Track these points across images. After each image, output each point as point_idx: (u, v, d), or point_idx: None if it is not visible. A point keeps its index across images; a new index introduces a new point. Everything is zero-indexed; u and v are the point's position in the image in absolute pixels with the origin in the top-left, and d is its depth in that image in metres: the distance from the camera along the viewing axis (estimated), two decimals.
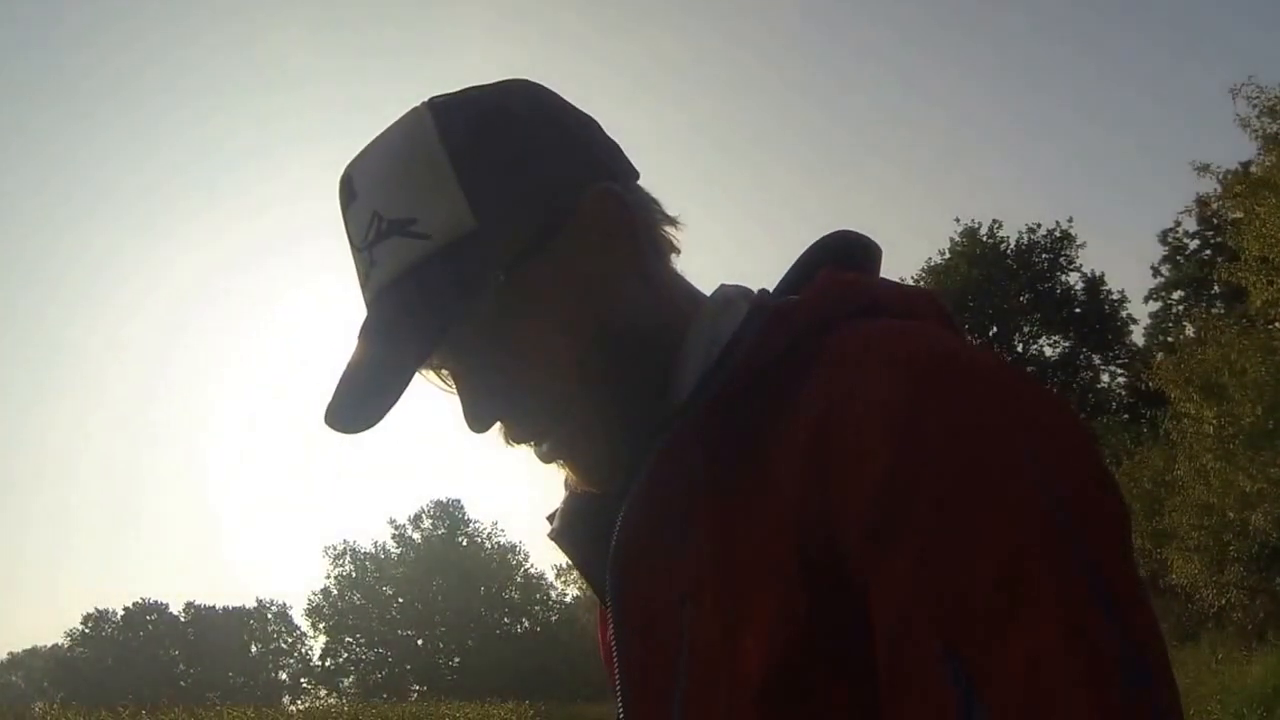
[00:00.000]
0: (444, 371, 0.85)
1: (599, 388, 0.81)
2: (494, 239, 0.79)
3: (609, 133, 0.89)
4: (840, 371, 0.70)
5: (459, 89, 0.85)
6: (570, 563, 0.90)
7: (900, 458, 0.64)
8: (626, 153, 0.89)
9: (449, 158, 0.80)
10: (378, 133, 0.85)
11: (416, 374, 0.82)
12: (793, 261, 0.89)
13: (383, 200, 0.81)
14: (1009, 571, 0.59)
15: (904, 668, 0.61)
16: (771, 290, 0.88)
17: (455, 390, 0.84)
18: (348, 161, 0.85)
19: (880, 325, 0.74)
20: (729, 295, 0.86)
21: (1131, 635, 0.59)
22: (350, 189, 0.83)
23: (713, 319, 0.83)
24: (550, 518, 0.92)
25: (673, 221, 0.87)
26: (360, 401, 0.80)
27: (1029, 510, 0.61)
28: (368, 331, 0.82)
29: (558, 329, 0.81)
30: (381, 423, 0.80)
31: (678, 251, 0.88)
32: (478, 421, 0.83)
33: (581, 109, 0.88)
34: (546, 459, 0.85)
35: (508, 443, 0.85)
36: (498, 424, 0.84)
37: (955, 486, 0.62)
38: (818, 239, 0.89)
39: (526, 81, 0.87)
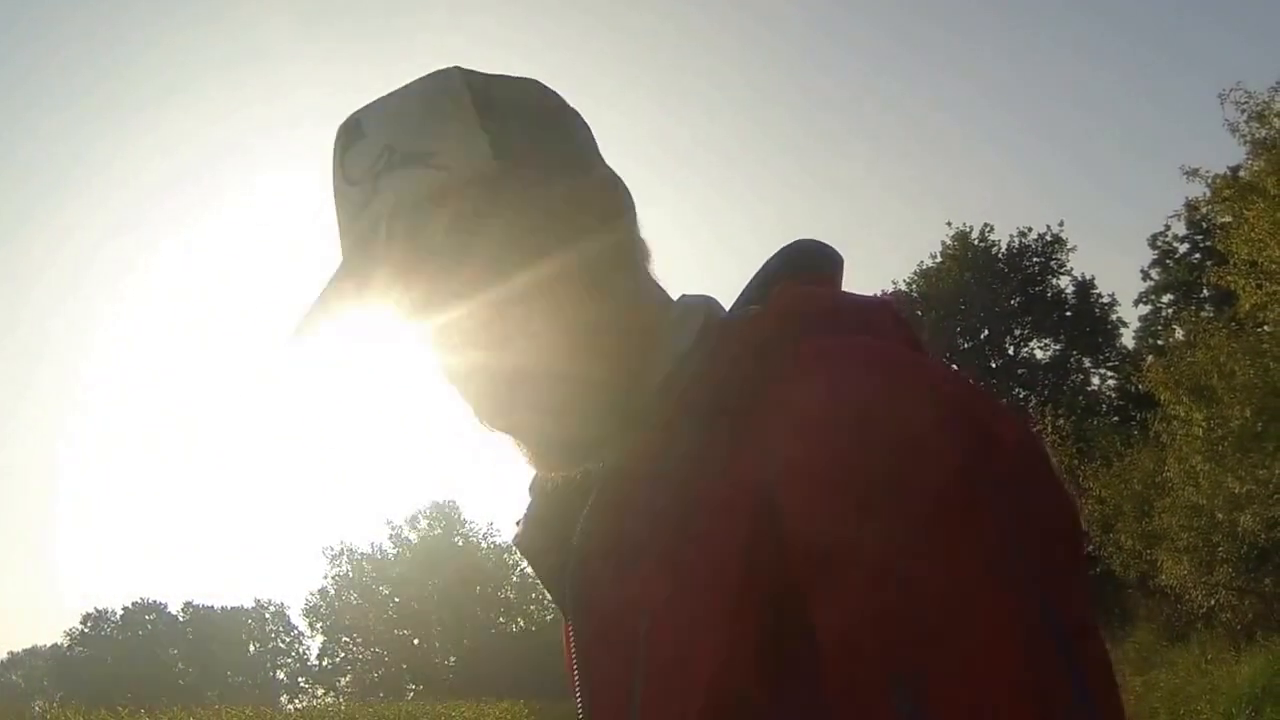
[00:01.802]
0: (421, 320, 0.82)
1: (582, 364, 0.80)
2: (510, 187, 0.79)
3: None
4: (792, 389, 0.70)
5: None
6: (533, 571, 0.90)
7: (847, 475, 0.64)
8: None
9: (473, 100, 0.81)
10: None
11: (393, 311, 0.82)
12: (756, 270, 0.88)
13: (399, 134, 0.80)
14: (957, 595, 0.59)
15: (851, 691, 0.61)
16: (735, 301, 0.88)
17: (430, 336, 0.82)
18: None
19: (833, 343, 0.74)
20: (690, 306, 0.86)
21: (1080, 664, 0.59)
22: (357, 129, 0.82)
23: (673, 330, 0.84)
24: (518, 522, 0.91)
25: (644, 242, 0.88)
26: (330, 315, 0.81)
27: (979, 530, 0.61)
28: (358, 252, 0.80)
29: (555, 289, 0.80)
30: (336, 335, 0.82)
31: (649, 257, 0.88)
32: (450, 372, 0.82)
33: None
34: (508, 430, 0.83)
35: (478, 419, 0.84)
36: (472, 403, 0.83)
37: (902, 507, 0.62)
38: (780, 248, 0.88)
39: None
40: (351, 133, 0.82)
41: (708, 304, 0.87)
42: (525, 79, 0.88)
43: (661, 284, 0.88)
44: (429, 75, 0.84)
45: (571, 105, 0.89)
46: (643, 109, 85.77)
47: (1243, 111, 16.26)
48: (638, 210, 0.88)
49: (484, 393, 0.83)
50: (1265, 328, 15.97)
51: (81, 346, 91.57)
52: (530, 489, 0.92)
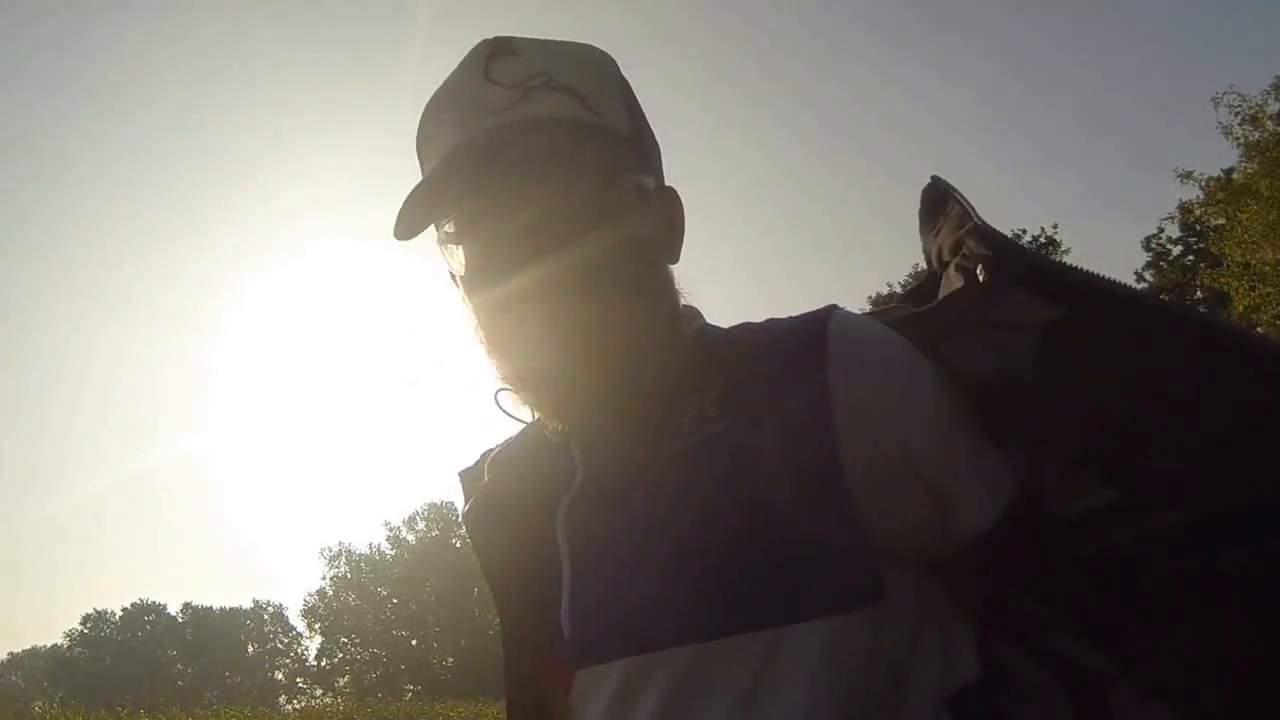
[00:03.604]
0: (490, 232, 0.84)
1: (641, 322, 0.86)
2: (640, 153, 0.91)
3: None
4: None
5: None
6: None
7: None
8: None
9: (618, 77, 0.92)
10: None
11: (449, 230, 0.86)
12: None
13: (557, 67, 0.86)
14: None
15: None
16: None
17: (515, 245, 0.83)
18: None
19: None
20: (688, 310, 0.96)
21: None
22: (509, 47, 0.87)
23: (687, 323, 0.94)
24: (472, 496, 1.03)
25: None
26: (438, 203, 0.84)
27: None
28: (494, 145, 0.83)
29: (640, 259, 0.87)
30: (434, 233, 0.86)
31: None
32: (517, 290, 0.83)
33: None
34: (549, 362, 0.85)
35: (515, 350, 0.86)
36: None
37: None
38: None
39: None
40: (502, 47, 0.87)
41: (701, 322, 0.97)
42: None
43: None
44: (586, 47, 0.92)
45: None
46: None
47: (1236, 115, 16.34)
48: None
49: (550, 310, 0.83)
50: (1259, 329, 16.00)
51: (81, 346, 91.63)
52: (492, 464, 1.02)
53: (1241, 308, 15.91)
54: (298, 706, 42.03)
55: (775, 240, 75.00)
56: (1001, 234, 0.88)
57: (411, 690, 48.11)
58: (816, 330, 0.85)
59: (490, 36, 0.88)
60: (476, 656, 46.73)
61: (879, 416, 0.82)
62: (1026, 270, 0.84)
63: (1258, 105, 16.12)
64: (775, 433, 0.82)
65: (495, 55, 0.86)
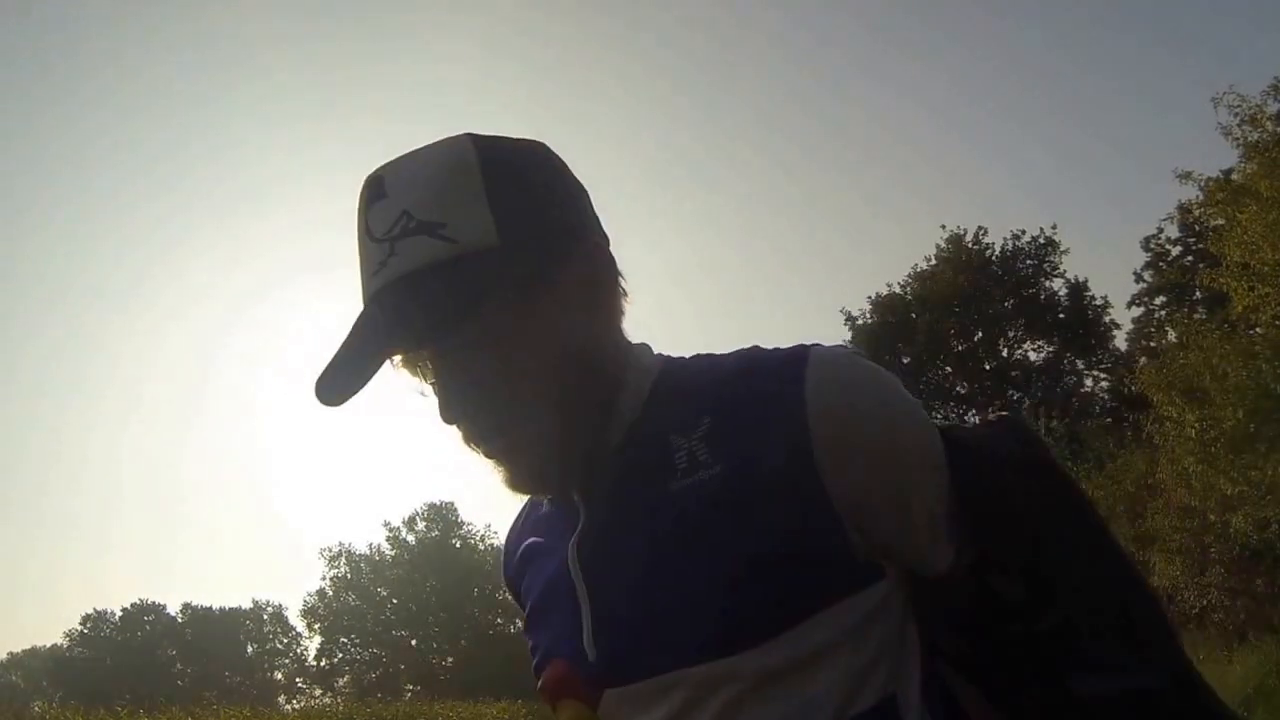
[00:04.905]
0: (422, 365, 0.96)
1: (564, 407, 0.93)
2: (510, 260, 0.91)
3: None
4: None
5: (491, 134, 0.99)
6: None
7: None
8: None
9: (483, 179, 0.92)
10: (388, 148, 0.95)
11: (397, 363, 0.95)
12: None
13: (415, 201, 0.91)
14: None
15: None
16: None
17: (432, 383, 0.96)
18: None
19: None
20: (642, 350, 1.03)
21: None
22: (379, 188, 0.93)
23: (638, 371, 1.00)
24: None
25: (625, 288, 1.02)
26: (350, 376, 0.91)
27: None
28: (375, 312, 0.92)
29: (543, 350, 0.93)
30: (359, 396, 0.92)
31: (624, 312, 1.02)
32: (449, 412, 0.94)
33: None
34: (492, 457, 0.96)
35: (466, 443, 0.96)
36: (459, 423, 0.96)
37: None
38: None
39: (545, 144, 1.02)
40: (373, 190, 0.94)
41: (660, 356, 1.04)
42: (533, 145, 1.00)
43: (628, 334, 1.03)
44: (445, 142, 0.95)
45: (573, 174, 1.01)
46: (641, 111, 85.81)
47: (1236, 115, 16.29)
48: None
49: (481, 421, 0.94)
50: (1257, 330, 15.99)
51: (81, 346, 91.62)
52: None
53: (1240, 308, 15.89)
54: (297, 706, 41.97)
55: (773, 243, 75.06)
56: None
57: (411, 690, 48.09)
58: (795, 369, 0.92)
59: (371, 172, 0.95)
60: (476, 656, 46.73)
61: (860, 451, 0.90)
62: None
63: (1257, 106, 16.05)
64: (765, 472, 0.90)
65: (372, 201, 0.94)
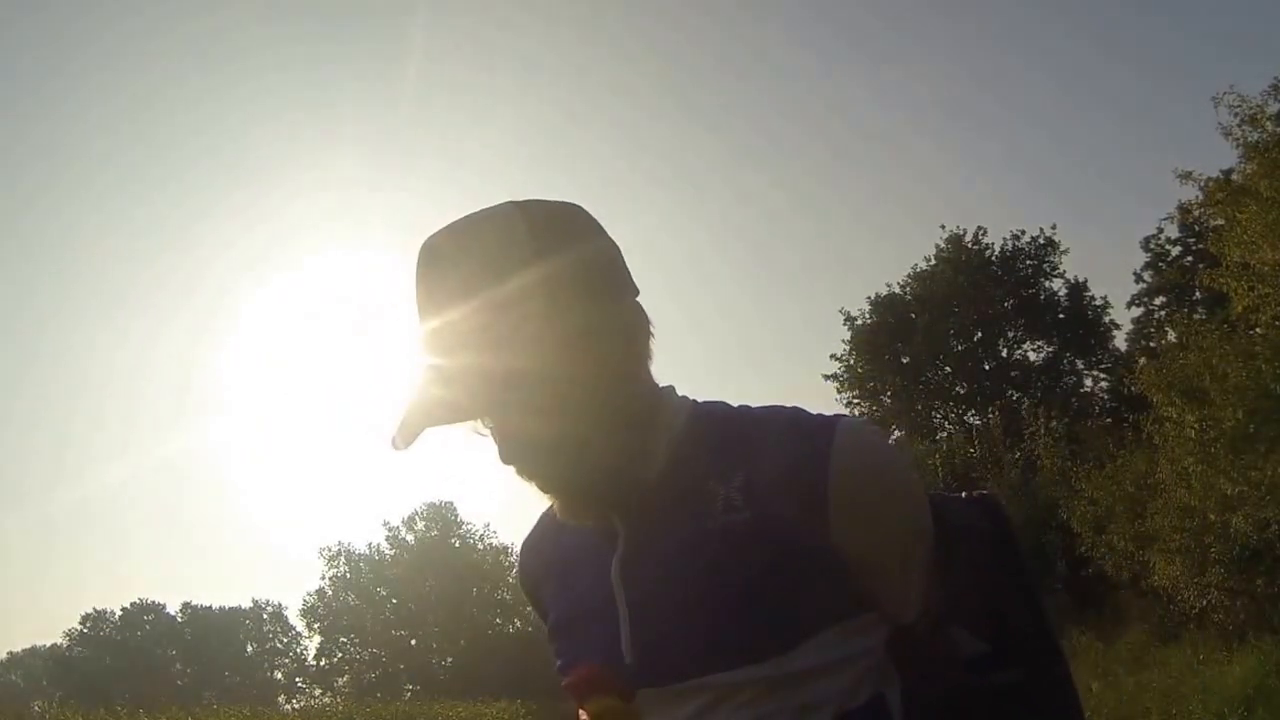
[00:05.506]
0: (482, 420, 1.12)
1: (610, 446, 1.10)
2: (556, 324, 1.06)
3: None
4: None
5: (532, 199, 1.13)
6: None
7: None
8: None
9: (531, 248, 1.07)
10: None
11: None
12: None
13: (471, 271, 1.07)
14: None
15: None
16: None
17: (491, 428, 1.11)
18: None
19: None
20: (668, 392, 1.18)
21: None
22: (435, 255, 1.09)
23: (670, 412, 1.15)
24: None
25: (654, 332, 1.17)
26: (418, 429, 1.10)
27: None
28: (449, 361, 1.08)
29: (592, 397, 1.08)
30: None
31: (653, 356, 1.17)
32: (510, 456, 1.10)
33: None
34: (546, 490, 1.13)
35: (519, 476, 1.12)
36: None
37: None
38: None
39: (580, 206, 1.16)
40: (432, 257, 1.10)
41: (686, 400, 1.20)
42: (570, 209, 1.14)
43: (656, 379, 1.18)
44: (494, 214, 1.10)
45: (607, 233, 1.16)
46: (641, 111, 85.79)
47: (1236, 115, 16.27)
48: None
49: (540, 456, 1.10)
50: (1257, 330, 15.96)
51: (81, 346, 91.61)
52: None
53: (1240, 308, 15.86)
54: (297, 706, 42.04)
55: (772, 243, 75.03)
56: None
57: (410, 690, 48.06)
58: (825, 436, 1.09)
59: (427, 240, 1.10)
60: (475, 656, 46.71)
61: (867, 514, 1.08)
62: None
63: (1258, 106, 16.05)
64: (788, 520, 1.07)
65: (430, 266, 1.09)
